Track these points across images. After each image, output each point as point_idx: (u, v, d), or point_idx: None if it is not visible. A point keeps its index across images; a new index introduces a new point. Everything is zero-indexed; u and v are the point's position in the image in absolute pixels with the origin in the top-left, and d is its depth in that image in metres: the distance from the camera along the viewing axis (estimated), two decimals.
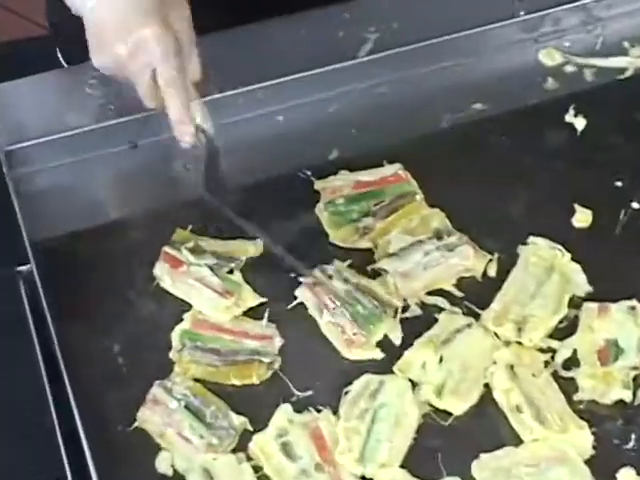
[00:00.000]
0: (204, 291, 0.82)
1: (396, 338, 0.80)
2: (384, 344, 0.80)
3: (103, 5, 0.73)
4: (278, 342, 0.81)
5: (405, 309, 0.83)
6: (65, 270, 0.83)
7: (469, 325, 0.80)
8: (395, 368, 0.78)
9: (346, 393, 0.76)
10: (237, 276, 0.84)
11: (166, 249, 0.85)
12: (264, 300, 0.82)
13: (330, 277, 0.83)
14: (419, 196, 0.90)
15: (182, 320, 0.81)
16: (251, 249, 0.86)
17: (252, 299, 0.82)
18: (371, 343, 0.80)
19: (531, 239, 0.87)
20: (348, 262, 0.85)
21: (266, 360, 0.79)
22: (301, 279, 0.83)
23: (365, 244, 0.87)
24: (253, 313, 0.82)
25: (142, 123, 0.92)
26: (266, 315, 0.81)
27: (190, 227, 0.88)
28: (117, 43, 0.73)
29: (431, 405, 0.76)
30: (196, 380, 0.78)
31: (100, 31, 0.75)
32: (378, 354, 0.79)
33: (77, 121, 0.91)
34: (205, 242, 0.86)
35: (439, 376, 0.77)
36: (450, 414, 0.76)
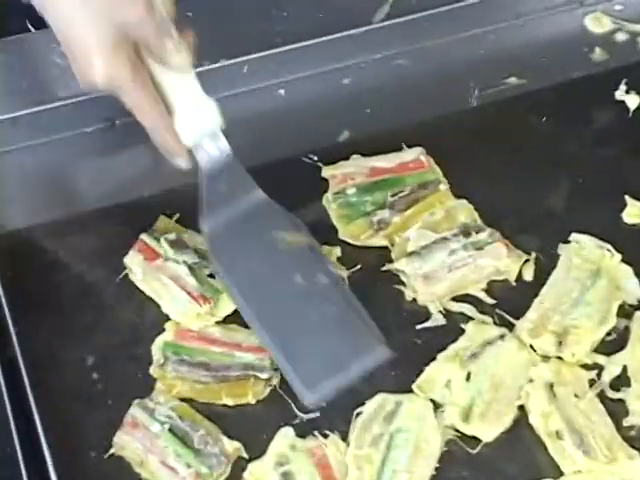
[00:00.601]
0: (176, 292, 0.82)
1: None
2: (401, 358, 0.78)
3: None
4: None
5: (426, 318, 0.83)
6: (30, 268, 0.83)
7: (501, 337, 0.80)
8: (414, 386, 0.78)
9: (357, 415, 0.75)
10: (219, 281, 0.83)
11: (143, 237, 0.85)
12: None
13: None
14: (443, 186, 0.90)
15: (164, 330, 0.81)
16: None
17: (229, 308, 0.84)
18: None
19: (574, 237, 0.86)
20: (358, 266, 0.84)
21: (263, 376, 0.79)
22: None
23: (380, 241, 0.87)
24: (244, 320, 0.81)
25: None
26: None
27: (177, 216, 0.87)
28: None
29: (456, 430, 0.75)
30: (182, 399, 0.78)
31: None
32: None
33: (44, 96, 0.91)
34: (189, 236, 0.88)
35: (466, 396, 0.76)
36: (478, 441, 0.75)
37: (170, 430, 0.75)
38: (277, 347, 0.73)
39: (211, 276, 0.85)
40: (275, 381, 0.79)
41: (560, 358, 0.79)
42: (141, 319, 0.83)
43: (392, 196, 0.90)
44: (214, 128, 0.77)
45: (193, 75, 0.77)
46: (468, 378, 0.77)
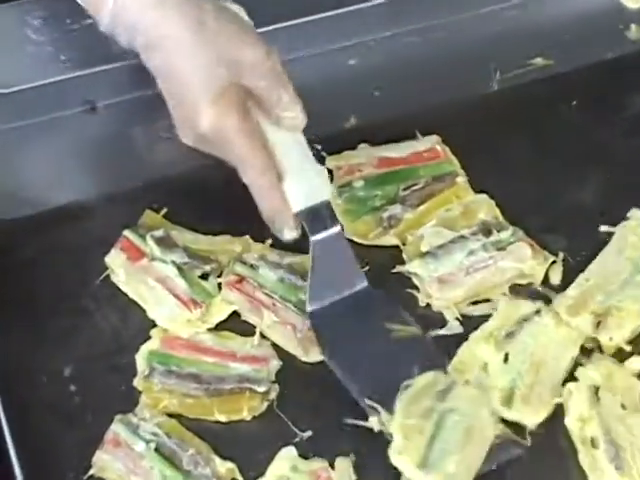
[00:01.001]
0: (163, 296, 0.82)
1: None
2: None
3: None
4: (275, 365, 0.81)
5: (441, 325, 0.82)
6: (1, 268, 0.83)
7: (537, 312, 0.80)
8: (450, 368, 0.78)
9: (405, 388, 0.75)
10: (212, 283, 0.83)
11: (127, 234, 0.85)
12: (235, 309, 0.82)
13: (253, 267, 0.83)
14: (461, 178, 0.90)
15: (149, 337, 0.81)
16: (236, 248, 0.85)
17: (222, 313, 0.84)
18: None
19: (633, 213, 0.85)
20: (269, 242, 0.84)
21: (260, 389, 0.79)
22: (219, 279, 0.83)
23: (390, 240, 0.87)
24: (241, 328, 0.82)
25: (102, 79, 0.91)
26: (258, 331, 0.81)
27: (165, 211, 0.87)
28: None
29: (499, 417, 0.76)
30: (169, 415, 0.78)
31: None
32: None
33: (17, 76, 0.91)
34: (179, 233, 0.88)
35: (505, 379, 0.76)
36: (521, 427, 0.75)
37: (156, 449, 0.75)
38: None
39: (203, 277, 0.84)
40: (273, 395, 0.79)
41: (600, 349, 0.79)
42: (124, 325, 0.83)
43: (404, 190, 0.90)
44: (325, 197, 0.78)
45: (302, 136, 0.77)
46: (506, 359, 0.77)
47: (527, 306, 0.81)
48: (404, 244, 0.87)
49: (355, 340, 0.78)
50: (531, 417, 0.76)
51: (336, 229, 0.78)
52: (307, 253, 0.79)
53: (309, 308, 0.78)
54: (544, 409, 0.76)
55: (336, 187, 0.89)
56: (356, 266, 0.80)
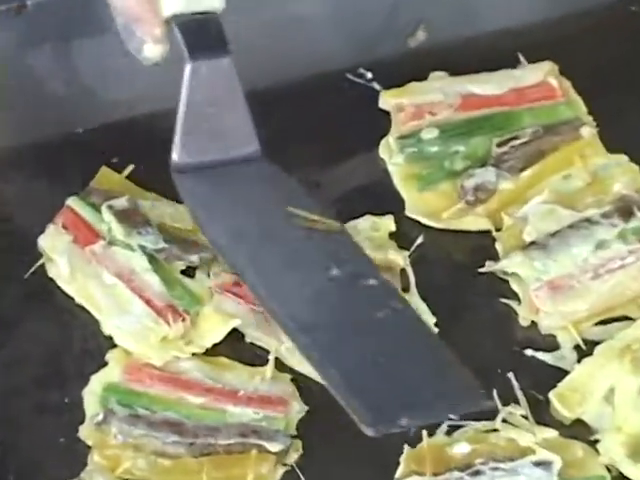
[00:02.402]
0: (128, 300, 0.83)
1: None
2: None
3: None
4: (297, 410, 0.81)
5: (552, 349, 0.84)
6: None
7: None
8: (552, 395, 0.79)
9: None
10: (200, 282, 0.85)
11: (72, 203, 0.86)
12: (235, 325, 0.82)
13: None
14: (588, 129, 0.90)
15: (105, 364, 0.82)
16: None
17: (217, 332, 0.83)
18: None
19: None
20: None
21: (273, 447, 0.78)
22: (208, 283, 0.83)
23: (477, 222, 0.88)
24: (246, 353, 0.83)
25: None
26: (272, 357, 0.82)
27: (131, 168, 0.88)
28: None
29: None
30: None
31: None
32: None
33: None
34: (151, 203, 0.87)
35: (638, 419, 0.78)
36: None
37: None
38: (329, 363, 0.73)
39: (186, 273, 0.83)
40: (294, 457, 0.78)
41: None
42: (65, 343, 0.83)
43: (499, 145, 0.89)
44: (216, 5, 0.77)
45: None
46: None
47: None
48: (498, 229, 0.87)
49: (242, 220, 0.78)
50: None
51: (225, 59, 0.77)
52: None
53: (175, 157, 0.78)
54: None
55: (395, 138, 0.89)
56: (248, 121, 0.79)
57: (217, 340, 0.82)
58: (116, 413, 0.78)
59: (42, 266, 0.84)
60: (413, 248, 0.85)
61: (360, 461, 0.78)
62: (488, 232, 0.87)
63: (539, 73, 0.92)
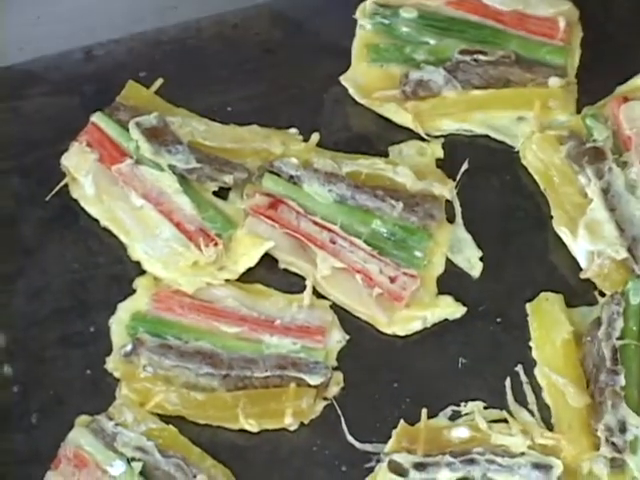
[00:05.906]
0: (157, 223, 0.81)
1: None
2: None
3: None
4: (338, 340, 0.79)
5: None
6: None
7: None
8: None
9: None
10: (234, 204, 0.83)
11: (97, 119, 0.84)
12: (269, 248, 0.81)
13: (294, 180, 0.81)
14: (556, 79, 0.87)
15: (133, 291, 0.80)
16: (274, 148, 0.83)
17: (251, 256, 0.81)
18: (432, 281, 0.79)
19: None
20: (315, 137, 0.84)
21: (313, 380, 0.77)
22: (242, 205, 0.82)
23: (400, 115, 0.86)
24: (282, 279, 0.81)
25: None
26: (309, 284, 0.79)
27: (160, 83, 0.86)
28: None
29: None
30: (164, 418, 0.76)
31: None
32: (459, 308, 0.79)
33: None
34: (182, 120, 0.84)
35: None
36: None
37: (141, 473, 0.73)
38: None
39: (219, 195, 0.81)
40: (335, 390, 0.77)
41: None
42: (90, 270, 0.81)
43: (462, 53, 0.86)
44: None
45: None
46: None
47: None
48: (423, 139, 0.85)
49: None
50: None
51: None
52: (376, 155, 0.78)
53: None
54: None
55: (371, 3, 0.88)
56: None
57: (251, 264, 0.81)
58: (145, 343, 0.77)
59: (65, 187, 0.83)
60: (459, 177, 0.82)
61: (403, 396, 0.77)
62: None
63: (552, 10, 0.89)
